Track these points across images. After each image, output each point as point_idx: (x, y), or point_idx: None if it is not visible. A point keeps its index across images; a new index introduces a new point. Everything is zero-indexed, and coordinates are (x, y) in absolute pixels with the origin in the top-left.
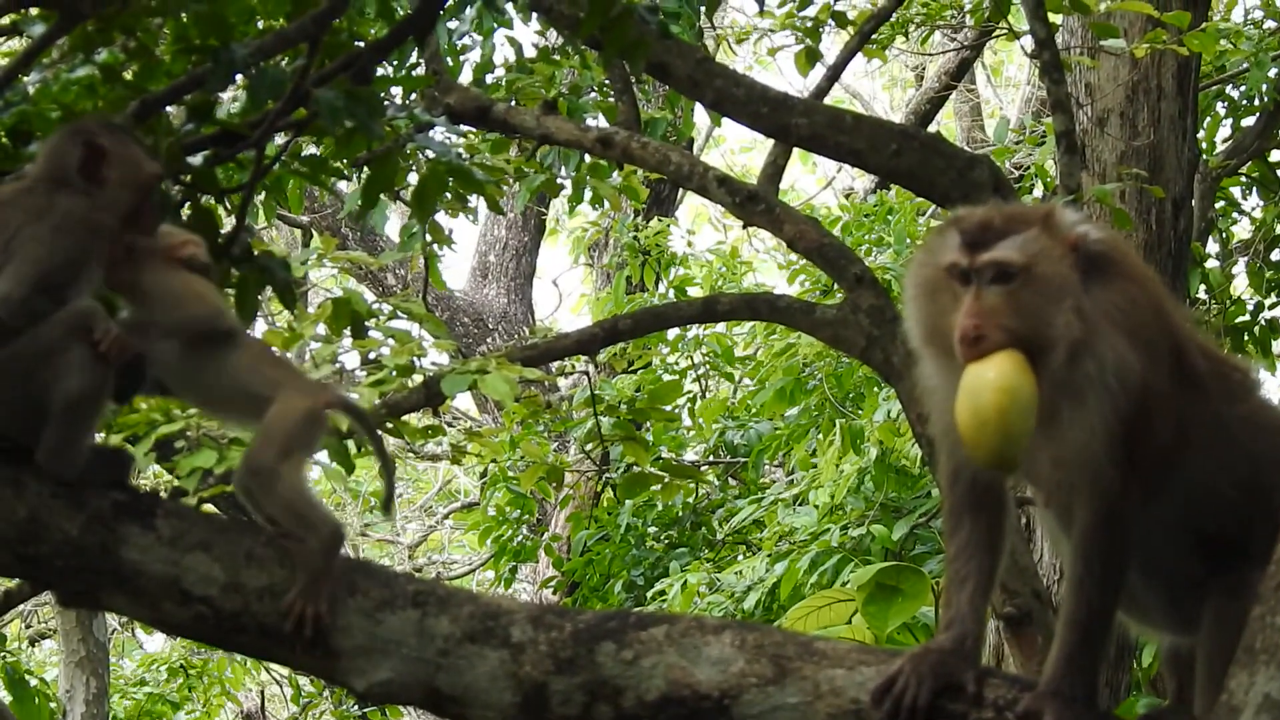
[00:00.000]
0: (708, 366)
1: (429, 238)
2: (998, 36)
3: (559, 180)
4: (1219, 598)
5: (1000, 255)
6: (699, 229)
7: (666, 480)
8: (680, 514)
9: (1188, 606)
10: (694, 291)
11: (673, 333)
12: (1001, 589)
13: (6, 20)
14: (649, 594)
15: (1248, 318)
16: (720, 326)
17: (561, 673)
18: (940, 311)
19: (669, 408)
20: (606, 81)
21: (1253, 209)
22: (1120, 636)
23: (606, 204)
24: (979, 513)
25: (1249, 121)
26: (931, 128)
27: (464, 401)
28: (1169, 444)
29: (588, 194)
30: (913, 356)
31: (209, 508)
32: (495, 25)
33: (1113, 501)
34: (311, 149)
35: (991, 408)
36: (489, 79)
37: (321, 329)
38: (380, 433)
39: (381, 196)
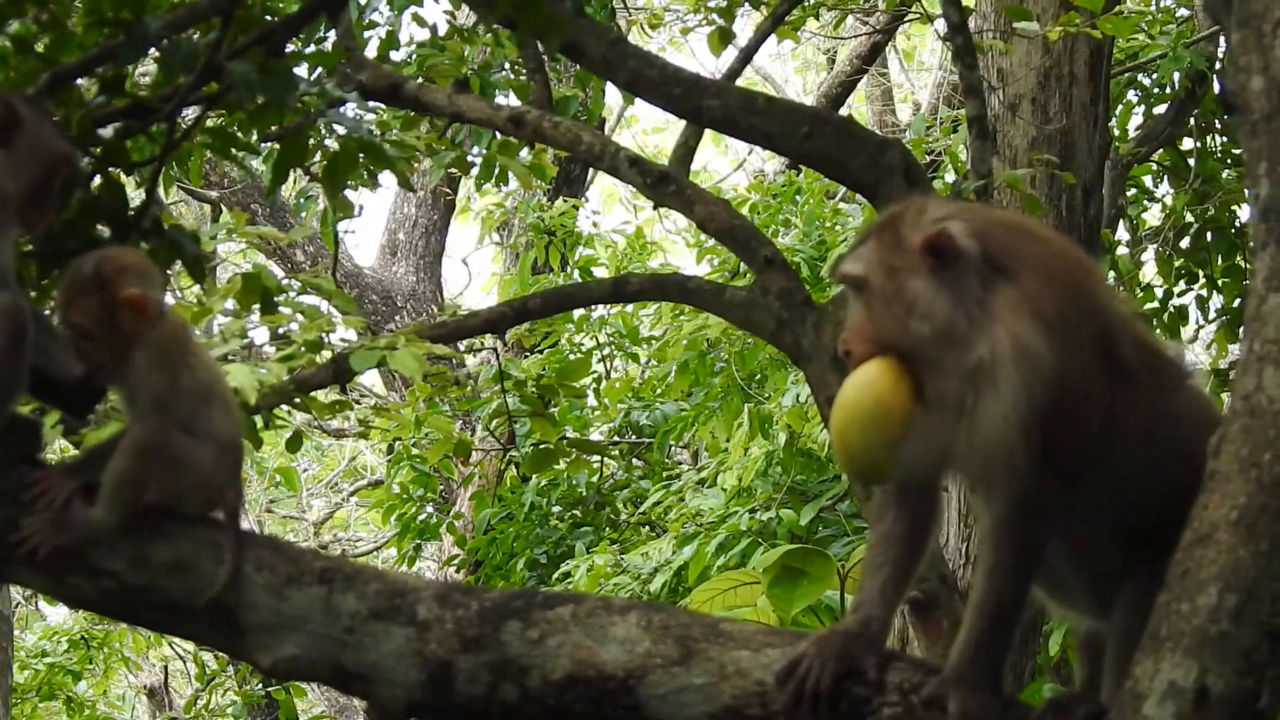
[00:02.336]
0: (613, 347)
1: (336, 212)
2: (910, 20)
3: (469, 159)
4: (1136, 585)
5: (845, 270)
6: (610, 209)
7: (573, 456)
8: (584, 494)
9: (1111, 592)
10: (599, 272)
11: (579, 312)
12: None
13: None
14: (555, 574)
15: (1157, 305)
16: (628, 307)
17: (467, 651)
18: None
19: (577, 385)
20: (519, 61)
21: (1163, 196)
22: (1027, 622)
23: (513, 182)
24: (905, 504)
25: (1161, 109)
26: (843, 111)
27: (371, 378)
28: (1098, 434)
29: (496, 172)
30: (824, 340)
31: None
32: (407, 2)
33: (1027, 491)
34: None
35: (850, 417)
36: (399, 56)
37: (231, 304)
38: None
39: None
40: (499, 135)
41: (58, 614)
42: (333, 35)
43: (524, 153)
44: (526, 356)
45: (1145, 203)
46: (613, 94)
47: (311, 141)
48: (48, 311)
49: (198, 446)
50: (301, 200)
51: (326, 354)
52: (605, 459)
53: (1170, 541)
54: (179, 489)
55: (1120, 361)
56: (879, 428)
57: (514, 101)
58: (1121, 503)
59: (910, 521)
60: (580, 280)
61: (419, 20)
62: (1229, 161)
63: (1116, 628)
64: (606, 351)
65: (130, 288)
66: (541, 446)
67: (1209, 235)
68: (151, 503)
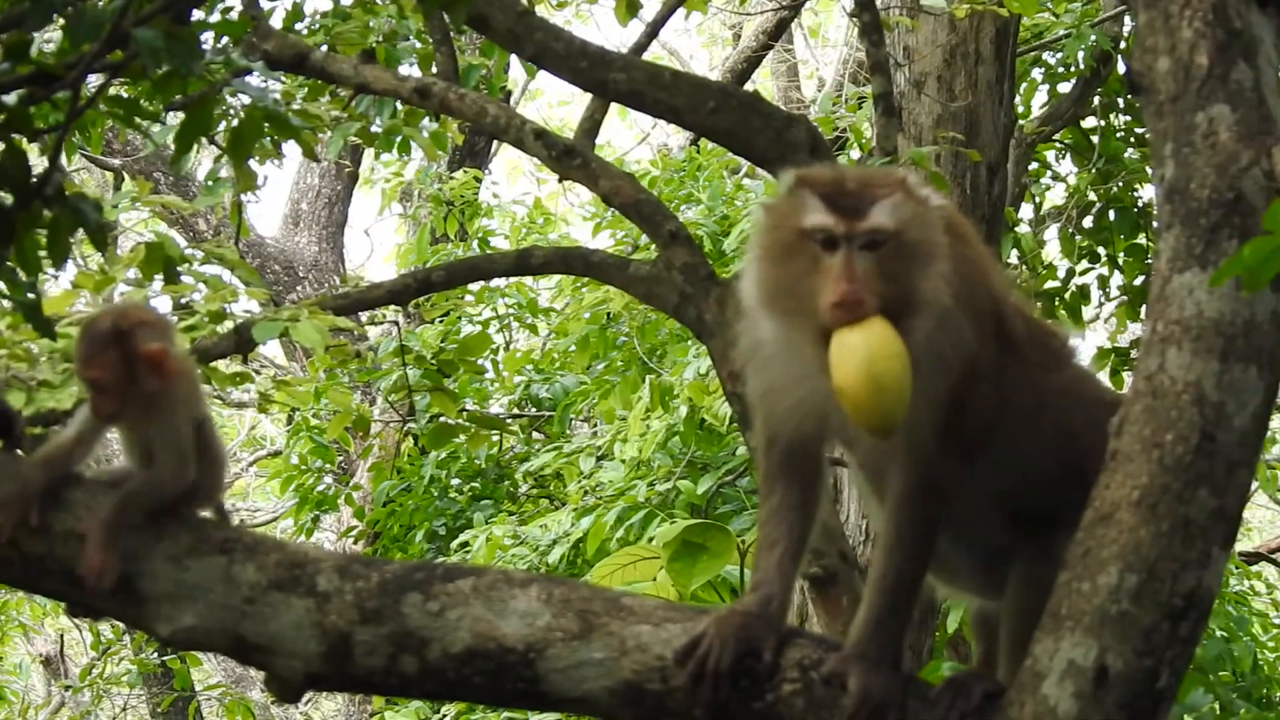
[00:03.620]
0: (512, 319)
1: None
2: None
3: (373, 129)
4: (1025, 562)
5: (877, 222)
6: (514, 181)
7: (473, 431)
8: (484, 466)
9: (998, 570)
10: (498, 243)
11: (478, 284)
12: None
13: None
14: (452, 545)
15: (1059, 284)
16: (527, 279)
17: (367, 623)
18: (795, 274)
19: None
20: (425, 31)
21: (1067, 175)
22: (925, 599)
23: (417, 153)
24: (793, 478)
25: (1065, 87)
26: (748, 87)
27: (272, 349)
28: (989, 412)
29: (399, 141)
30: (728, 315)
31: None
32: None
33: (930, 469)
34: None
35: (890, 374)
36: (305, 26)
37: (133, 273)
38: None
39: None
40: (402, 106)
41: None
42: (239, 4)
43: (426, 123)
44: (428, 325)
45: (1049, 181)
46: (516, 66)
47: (217, 111)
48: None
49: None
50: (210, 183)
51: (229, 324)
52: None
53: (1057, 518)
54: (217, 485)
55: (1010, 338)
56: (908, 376)
57: (418, 72)
58: (1008, 480)
59: (800, 493)
60: (479, 251)
61: None
62: (1132, 141)
63: (1009, 606)
64: (506, 323)
65: (150, 343)
66: (441, 420)
67: (1111, 214)
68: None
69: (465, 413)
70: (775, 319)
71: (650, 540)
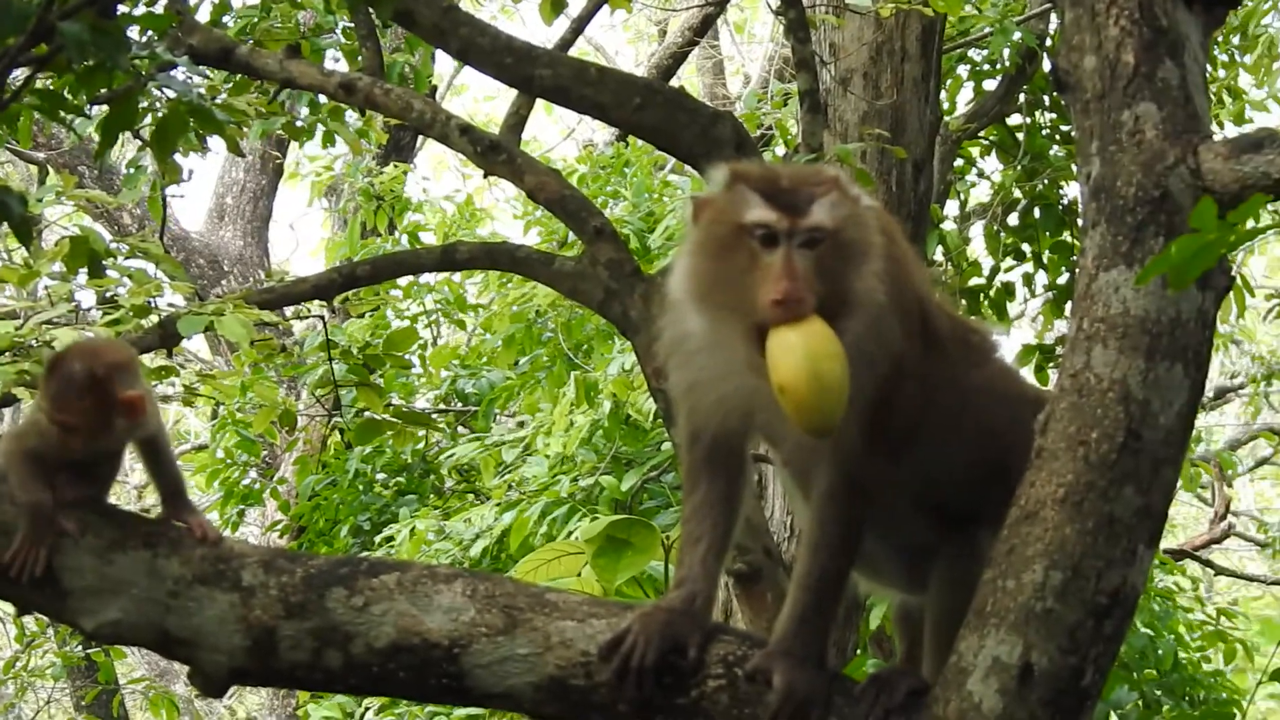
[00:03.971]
0: (440, 313)
1: (164, 177)
2: None
3: (298, 123)
4: (948, 559)
5: (818, 220)
6: (440, 176)
7: (400, 428)
8: (409, 461)
9: (921, 567)
10: (427, 238)
11: (407, 279)
12: (733, 546)
13: None
14: (376, 540)
15: (984, 281)
16: (455, 274)
17: (291, 617)
18: (730, 269)
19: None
20: (349, 24)
21: (992, 172)
22: (849, 596)
23: (342, 146)
24: (717, 473)
25: (991, 85)
26: (674, 83)
27: (196, 344)
28: (915, 410)
29: (322, 133)
30: (653, 311)
31: None
32: None
33: (855, 467)
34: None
35: (832, 374)
36: (228, 20)
37: (58, 266)
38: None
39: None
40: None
41: None
42: None
43: (351, 118)
44: (355, 319)
45: (974, 178)
46: (443, 60)
47: (141, 105)
48: None
49: None
50: (132, 170)
51: (153, 318)
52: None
53: (979, 516)
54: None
55: (933, 334)
56: (847, 376)
57: (344, 66)
58: (931, 477)
59: (724, 489)
60: (408, 246)
61: None
62: (1058, 138)
63: (933, 604)
64: (433, 318)
65: (128, 389)
66: (367, 415)
67: (1037, 212)
68: None
69: (391, 407)
70: (706, 313)
71: (574, 536)
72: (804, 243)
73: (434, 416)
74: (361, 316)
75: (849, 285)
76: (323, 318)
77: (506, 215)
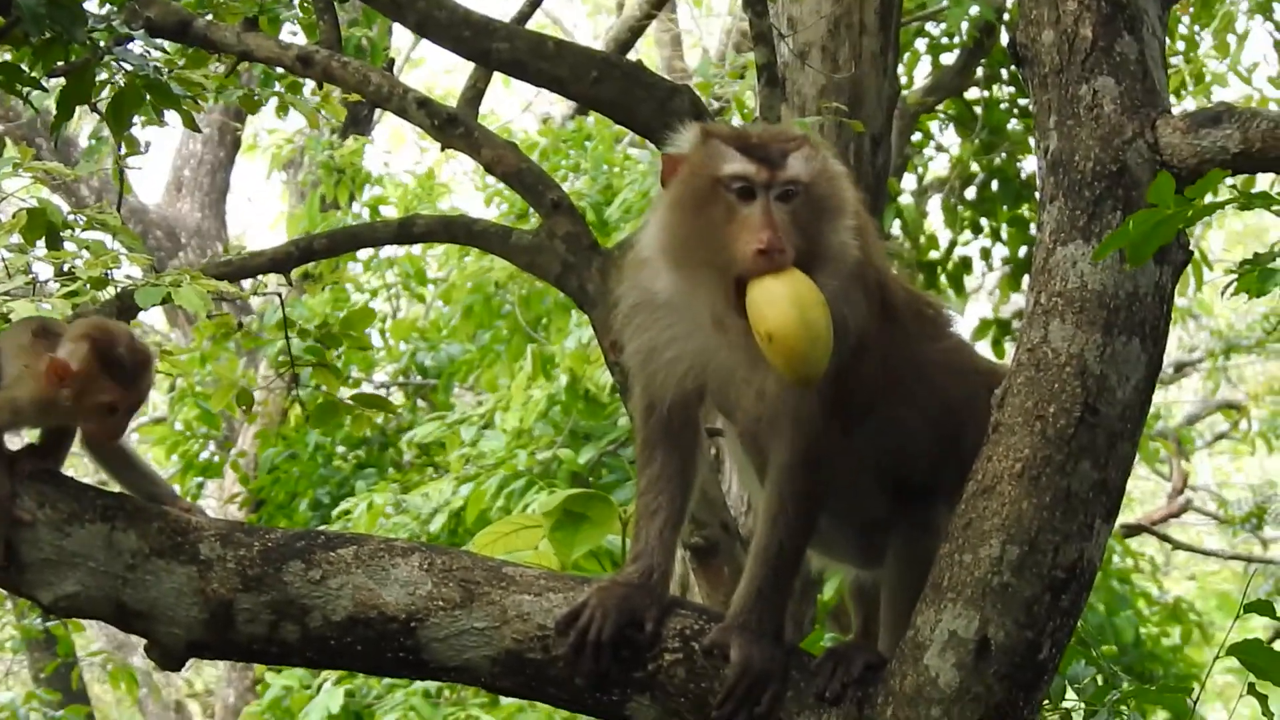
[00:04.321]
0: (399, 287)
1: (123, 150)
2: None
3: (256, 97)
4: (904, 534)
5: (795, 172)
6: (398, 149)
7: (358, 411)
8: (369, 435)
9: (876, 542)
10: (388, 211)
11: (366, 252)
12: (690, 520)
13: None
14: (334, 513)
15: (941, 254)
16: (415, 247)
17: (249, 590)
18: (707, 223)
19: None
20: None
21: (950, 146)
22: (805, 570)
23: (300, 120)
24: (672, 446)
25: (949, 59)
26: (631, 57)
27: (154, 317)
28: (874, 383)
29: (275, 104)
30: (610, 284)
31: None
32: None
33: (813, 440)
34: (6, 56)
35: (820, 321)
36: None
37: (15, 239)
38: None
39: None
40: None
41: None
42: None
43: (306, 91)
44: (305, 295)
45: (932, 152)
46: (401, 34)
47: (99, 78)
48: None
49: None
50: (94, 141)
51: (111, 290)
52: (390, 398)
53: (935, 490)
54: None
55: (891, 307)
56: (830, 324)
57: (302, 39)
58: (887, 451)
59: (680, 461)
60: (369, 219)
61: None
62: (1016, 112)
63: (889, 578)
64: (393, 291)
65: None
66: (325, 395)
67: (994, 185)
68: None
69: (349, 382)
70: (679, 269)
71: (531, 509)
72: (780, 195)
73: (393, 390)
74: (323, 289)
75: (824, 240)
76: (280, 295)
77: (468, 188)
